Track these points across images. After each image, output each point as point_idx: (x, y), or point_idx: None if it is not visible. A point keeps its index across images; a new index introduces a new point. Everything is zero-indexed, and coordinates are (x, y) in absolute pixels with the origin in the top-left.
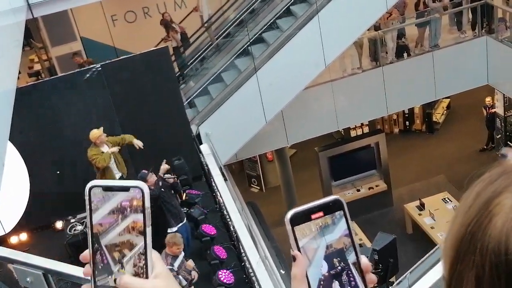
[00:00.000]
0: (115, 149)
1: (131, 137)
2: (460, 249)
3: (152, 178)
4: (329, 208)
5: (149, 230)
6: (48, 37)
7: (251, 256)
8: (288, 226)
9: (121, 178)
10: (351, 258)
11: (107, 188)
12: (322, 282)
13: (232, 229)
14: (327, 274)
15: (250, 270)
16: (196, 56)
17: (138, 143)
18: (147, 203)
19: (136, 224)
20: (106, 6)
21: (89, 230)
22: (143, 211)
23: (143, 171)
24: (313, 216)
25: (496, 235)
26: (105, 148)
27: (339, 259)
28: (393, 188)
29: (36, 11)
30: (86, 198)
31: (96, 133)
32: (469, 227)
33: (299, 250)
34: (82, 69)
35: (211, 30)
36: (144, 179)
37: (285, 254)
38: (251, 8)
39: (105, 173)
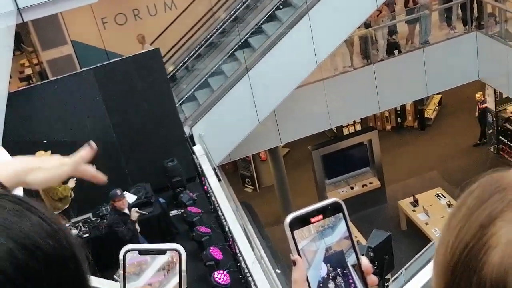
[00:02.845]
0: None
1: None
2: (454, 274)
3: (123, 200)
4: (328, 211)
5: None
6: (38, 41)
7: (247, 256)
8: (288, 231)
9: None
10: (351, 260)
11: (142, 252)
12: (321, 285)
13: (227, 229)
14: (326, 276)
15: (246, 271)
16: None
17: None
18: (184, 266)
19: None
20: (96, 9)
21: None
22: (180, 274)
23: (116, 190)
24: (312, 220)
25: (494, 272)
26: None
27: (338, 261)
28: (387, 185)
29: (26, 15)
30: (121, 262)
31: (42, 156)
32: (464, 252)
33: (299, 255)
34: (74, 72)
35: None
36: (113, 199)
37: (280, 253)
38: (244, 5)
39: (53, 200)
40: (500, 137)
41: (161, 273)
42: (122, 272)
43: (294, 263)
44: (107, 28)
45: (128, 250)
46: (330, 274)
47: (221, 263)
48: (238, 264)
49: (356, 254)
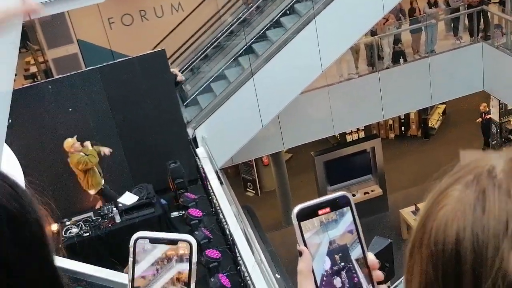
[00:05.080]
0: (105, 148)
1: (97, 148)
2: (413, 243)
3: None
4: (336, 204)
5: (193, 286)
6: (44, 39)
7: (247, 260)
8: (295, 221)
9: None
10: (355, 254)
11: (153, 240)
12: (325, 278)
13: (227, 232)
14: (329, 270)
15: (246, 274)
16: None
17: (105, 150)
18: (194, 258)
19: (181, 275)
20: (103, 9)
21: (131, 283)
22: (190, 266)
23: None
24: (320, 212)
25: (437, 225)
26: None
27: (342, 255)
28: (389, 193)
29: (32, 14)
30: (131, 249)
31: (70, 142)
32: (422, 221)
33: (305, 245)
34: (79, 71)
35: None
36: None
37: (280, 258)
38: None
39: (90, 179)
40: (504, 148)
41: (154, 267)
42: (132, 259)
43: (300, 254)
44: (114, 28)
45: (139, 238)
46: (334, 267)
47: (221, 266)
48: (238, 268)
49: (363, 249)
